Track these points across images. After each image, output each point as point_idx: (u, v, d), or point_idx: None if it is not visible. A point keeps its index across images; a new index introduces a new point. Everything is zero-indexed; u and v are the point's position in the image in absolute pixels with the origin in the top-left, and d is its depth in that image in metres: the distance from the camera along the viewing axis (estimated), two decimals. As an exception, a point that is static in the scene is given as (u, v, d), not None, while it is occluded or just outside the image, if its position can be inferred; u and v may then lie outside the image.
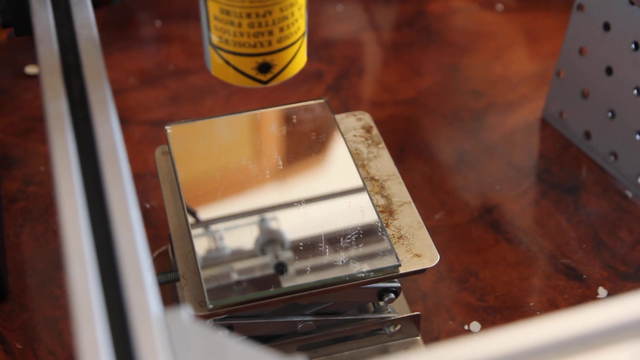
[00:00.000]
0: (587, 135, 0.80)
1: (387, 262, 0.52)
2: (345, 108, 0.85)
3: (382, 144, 0.62)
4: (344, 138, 0.61)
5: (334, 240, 0.54)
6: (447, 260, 0.70)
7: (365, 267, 0.52)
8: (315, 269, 0.52)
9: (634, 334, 0.34)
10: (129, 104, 0.86)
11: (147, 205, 0.75)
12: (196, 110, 0.85)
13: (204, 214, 0.55)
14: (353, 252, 0.53)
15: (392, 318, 0.59)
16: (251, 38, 0.45)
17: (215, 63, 0.47)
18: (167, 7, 1.00)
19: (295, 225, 0.55)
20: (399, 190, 0.59)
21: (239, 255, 0.53)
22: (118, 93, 0.87)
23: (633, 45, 0.71)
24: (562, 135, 0.82)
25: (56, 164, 0.41)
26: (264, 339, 0.57)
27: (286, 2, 0.44)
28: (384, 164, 0.60)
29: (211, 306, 0.50)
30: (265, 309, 0.55)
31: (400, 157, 0.80)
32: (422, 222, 0.56)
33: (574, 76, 0.79)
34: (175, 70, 0.90)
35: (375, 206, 0.56)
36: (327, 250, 0.53)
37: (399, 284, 0.56)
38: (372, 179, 0.59)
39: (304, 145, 0.60)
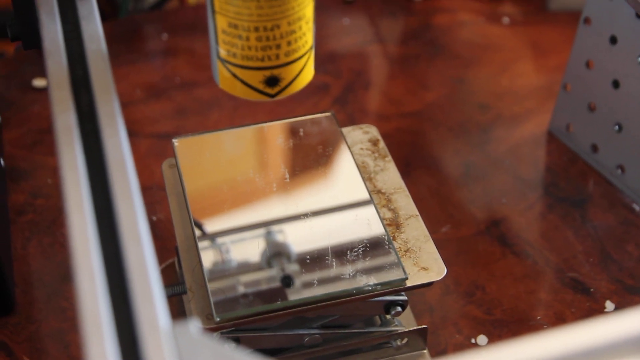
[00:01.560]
0: (594, 148, 0.80)
1: (394, 275, 0.52)
2: (352, 121, 0.85)
3: (389, 157, 0.62)
4: (350, 151, 0.61)
5: (341, 253, 0.54)
6: (453, 273, 0.70)
7: (372, 280, 0.52)
8: (322, 282, 0.52)
9: (641, 349, 0.34)
10: (136, 116, 0.86)
11: (154, 218, 0.75)
12: (203, 123, 0.86)
13: (211, 226, 0.55)
14: (360, 265, 0.53)
15: (399, 331, 0.59)
16: (259, 52, 0.45)
17: (222, 76, 0.47)
18: (174, 20, 1.00)
19: (301, 238, 0.55)
20: (405, 203, 0.59)
21: (246, 268, 0.53)
22: (125, 106, 0.87)
23: None
24: (568, 148, 0.82)
25: (65, 176, 0.41)
26: (271, 352, 0.57)
27: (294, 16, 0.44)
28: (391, 177, 0.61)
29: (218, 319, 0.50)
30: (272, 322, 0.55)
31: (406, 170, 0.80)
32: (429, 235, 0.56)
33: (580, 89, 0.79)
34: (182, 83, 0.91)
35: (382, 219, 0.56)
36: (333, 263, 0.53)
37: (406, 297, 0.56)
38: (379, 192, 0.59)
39: (310, 158, 0.60)
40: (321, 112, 0.64)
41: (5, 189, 0.76)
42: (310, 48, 0.47)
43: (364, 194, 0.57)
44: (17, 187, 0.78)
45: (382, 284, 0.52)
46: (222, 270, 0.52)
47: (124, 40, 0.97)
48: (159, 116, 0.87)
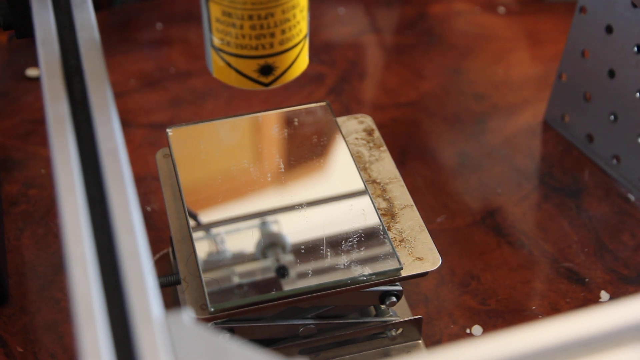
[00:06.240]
0: (590, 138, 0.79)
1: (388, 265, 0.52)
2: (347, 111, 0.85)
3: (384, 147, 0.62)
4: (345, 141, 0.61)
5: (336, 243, 0.53)
6: (448, 263, 0.70)
7: (367, 270, 0.52)
8: (317, 272, 0.52)
9: (636, 338, 0.34)
10: (130, 106, 0.86)
11: (148, 208, 0.75)
12: (197, 112, 0.85)
13: (205, 216, 0.55)
14: (355, 255, 0.53)
15: (394, 321, 0.59)
16: (253, 40, 0.45)
17: (216, 65, 0.47)
18: (168, 9, 1.00)
19: (296, 228, 0.54)
20: (400, 193, 0.58)
21: (240, 258, 0.53)
22: (119, 96, 0.87)
23: (635, 48, 0.71)
24: (564, 138, 0.82)
25: (57, 166, 0.41)
26: (266, 342, 0.57)
27: (288, 4, 0.44)
28: (386, 167, 0.60)
29: (212, 309, 0.50)
30: (267, 313, 0.55)
31: (401, 160, 0.80)
32: (424, 226, 0.56)
33: (576, 79, 0.79)
34: (177, 72, 0.90)
35: (377, 209, 0.56)
36: (328, 253, 0.53)
37: (401, 287, 0.56)
38: (374, 182, 0.59)
39: (305, 148, 0.60)
40: (316, 102, 0.63)
41: (-1, 179, 0.76)
42: (305, 37, 0.47)
43: (359, 184, 0.57)
44: (10, 177, 0.78)
45: (377, 274, 0.52)
46: (217, 261, 0.52)
47: (118, 29, 0.97)
48: (154, 106, 0.86)
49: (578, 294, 0.68)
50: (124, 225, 0.38)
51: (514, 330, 0.34)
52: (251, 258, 0.53)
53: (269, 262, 0.52)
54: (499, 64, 0.92)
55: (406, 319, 0.59)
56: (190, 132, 0.61)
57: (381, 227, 0.54)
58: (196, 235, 0.54)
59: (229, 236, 0.54)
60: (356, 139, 0.63)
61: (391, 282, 0.54)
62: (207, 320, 0.51)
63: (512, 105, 0.87)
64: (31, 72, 0.90)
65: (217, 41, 0.46)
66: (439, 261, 0.54)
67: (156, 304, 0.35)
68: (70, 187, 0.39)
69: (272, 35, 0.45)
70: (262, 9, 0.44)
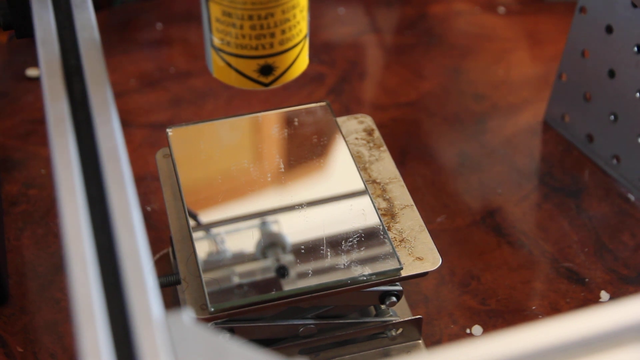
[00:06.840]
0: (590, 138, 0.79)
1: (388, 265, 0.52)
2: (347, 111, 0.85)
3: (384, 147, 0.62)
4: (345, 141, 0.61)
5: (336, 243, 0.53)
6: (449, 263, 0.70)
7: (367, 270, 0.52)
8: (317, 272, 0.52)
9: (636, 338, 0.34)
10: (130, 106, 0.86)
11: (148, 208, 0.75)
12: (197, 112, 0.85)
13: (205, 217, 0.55)
14: (355, 255, 0.53)
15: (394, 321, 0.59)
16: (253, 40, 0.45)
17: (216, 65, 0.47)
18: (168, 9, 1.00)
19: (296, 228, 0.54)
20: (400, 193, 0.58)
21: (241, 258, 0.53)
22: (119, 96, 0.87)
23: (636, 48, 0.71)
24: (564, 138, 0.82)
25: (57, 166, 0.41)
26: (266, 342, 0.57)
27: (288, 4, 0.44)
28: (386, 166, 0.60)
29: (212, 309, 0.50)
30: (267, 313, 0.55)
31: (402, 160, 0.80)
32: (424, 226, 0.56)
33: (576, 79, 0.79)
34: (177, 72, 0.90)
35: (377, 209, 0.56)
36: (328, 253, 0.53)
37: (401, 287, 0.56)
38: (374, 182, 0.59)
39: (305, 148, 0.60)
40: (316, 102, 0.63)
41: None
42: (305, 37, 0.47)
43: (359, 184, 0.57)
44: (10, 177, 0.78)
45: (377, 274, 0.52)
46: (217, 261, 0.52)
47: (118, 29, 0.97)
48: (154, 106, 0.86)
49: (578, 294, 0.68)
50: (124, 225, 0.38)
51: (514, 330, 0.34)
52: (251, 258, 0.53)
53: (269, 262, 0.52)
54: (499, 64, 0.92)
55: (406, 319, 0.59)
56: (190, 132, 0.61)
57: (381, 227, 0.54)
58: (196, 235, 0.54)
59: (229, 236, 0.54)
60: (356, 139, 0.63)
61: (391, 282, 0.54)
62: (207, 320, 0.51)
63: (512, 105, 0.87)
64: (31, 72, 0.90)
65: (217, 41, 0.46)
66: (439, 261, 0.54)
67: (156, 304, 0.35)
68: (70, 187, 0.39)
69: (272, 35, 0.45)
70: (262, 9, 0.44)
